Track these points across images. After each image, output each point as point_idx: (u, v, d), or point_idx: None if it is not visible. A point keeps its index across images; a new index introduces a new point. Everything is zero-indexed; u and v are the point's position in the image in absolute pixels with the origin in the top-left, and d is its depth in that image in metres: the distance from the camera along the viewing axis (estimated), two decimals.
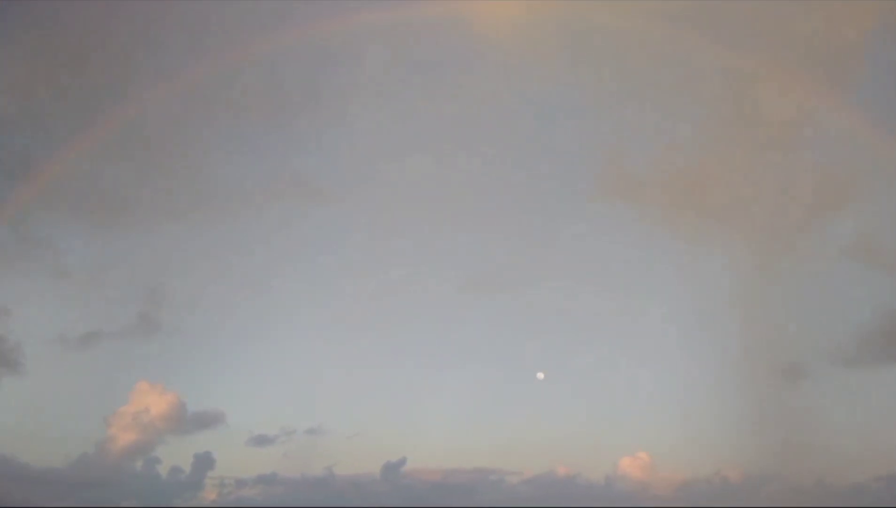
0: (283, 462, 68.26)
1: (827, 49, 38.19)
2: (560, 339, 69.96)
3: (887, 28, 38.70)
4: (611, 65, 47.51)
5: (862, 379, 48.69)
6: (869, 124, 32.64)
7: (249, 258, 73.15)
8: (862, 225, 47.35)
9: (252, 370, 72.69)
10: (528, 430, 73.64)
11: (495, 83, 54.53)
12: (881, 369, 56.71)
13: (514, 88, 56.29)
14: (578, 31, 44.58)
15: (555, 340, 71.56)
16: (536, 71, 51.17)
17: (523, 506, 57.33)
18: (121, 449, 54.74)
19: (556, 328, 72.26)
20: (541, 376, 61.14)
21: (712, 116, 47.37)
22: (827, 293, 51.16)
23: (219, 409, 66.76)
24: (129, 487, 58.35)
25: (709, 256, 62.10)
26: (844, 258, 51.06)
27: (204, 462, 56.43)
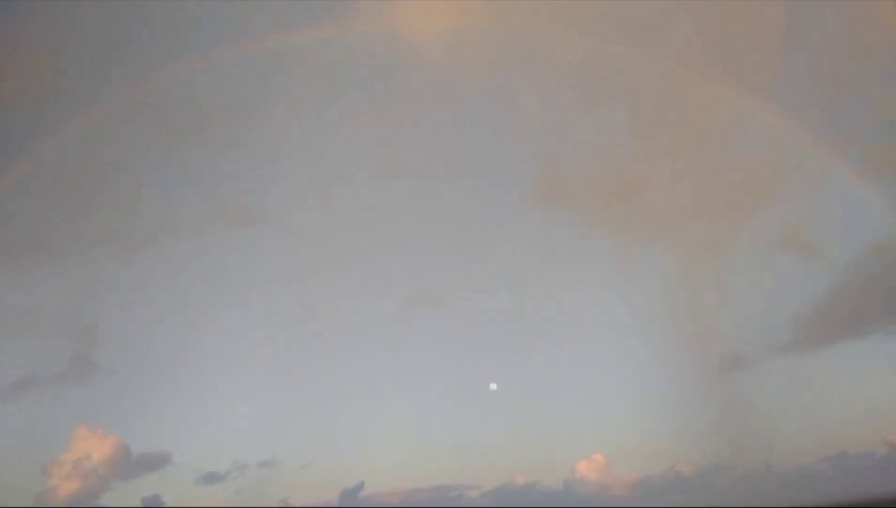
0: (236, 498, 65.68)
1: (745, 47, 39.80)
2: (509, 348, 70.14)
3: (801, 25, 40.66)
4: (539, 74, 48.39)
5: (799, 364, 50.56)
6: (788, 119, 34.07)
7: (187, 289, 70.83)
8: (789, 217, 49.43)
9: (197, 406, 70.00)
10: (484, 442, 73.35)
11: (427, 97, 54.74)
12: (817, 353, 58.94)
13: (446, 102, 56.60)
14: (508, 42, 45.15)
15: (504, 349, 71.70)
16: (468, 83, 51.61)
17: None
18: (62, 500, 52.00)
19: (504, 337, 72.42)
20: (493, 387, 61.38)
21: (640, 119, 48.70)
22: (760, 284, 53.07)
23: (165, 449, 63.49)
24: None
25: (646, 255, 63.52)
26: (775, 250, 53.07)
27: (152, 505, 53.92)
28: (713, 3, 39.80)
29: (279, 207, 65.48)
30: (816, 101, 43.22)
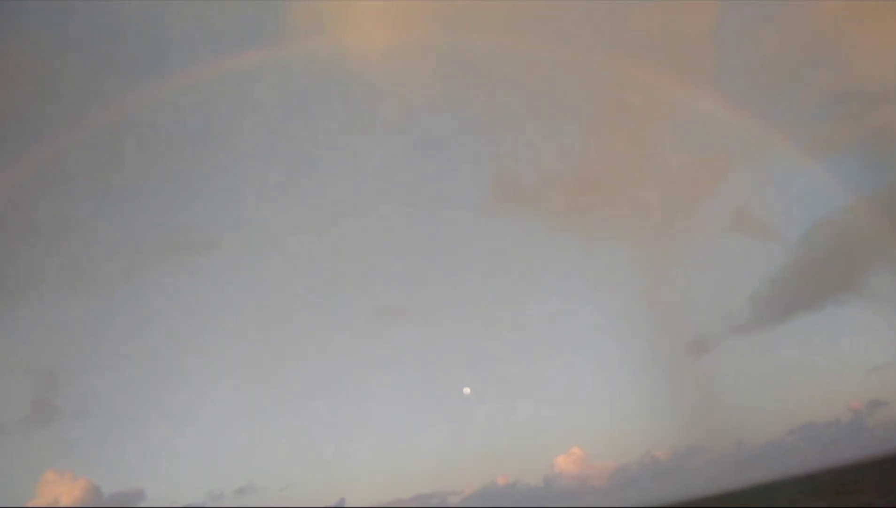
0: None
1: (685, 43, 40.78)
2: (480, 352, 70.44)
3: (732, 21, 41.87)
4: (486, 82, 48.90)
5: (761, 341, 51.97)
6: (731, 107, 35.05)
7: (146, 323, 69.32)
8: (739, 200, 50.78)
9: (166, 439, 68.33)
10: (463, 447, 73.04)
11: (379, 113, 54.72)
12: (776, 329, 60.53)
13: (397, 116, 56.75)
14: (453, 55, 45.53)
15: (475, 354, 71.98)
16: (418, 96, 51.90)
17: None
18: None
19: (474, 342, 72.64)
20: (467, 391, 61.64)
21: (589, 119, 49.54)
22: (718, 268, 54.37)
23: (137, 486, 61.60)
24: None
25: (606, 249, 64.48)
26: (729, 233, 54.44)
27: None
28: (654, 2, 40.70)
29: (238, 232, 64.68)
30: (756, 88, 44.51)
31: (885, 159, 46.49)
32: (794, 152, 37.10)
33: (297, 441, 66.47)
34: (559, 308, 71.14)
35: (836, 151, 53.12)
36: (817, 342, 59.30)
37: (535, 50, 38.77)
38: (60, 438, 63.44)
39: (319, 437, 67.93)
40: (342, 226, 64.98)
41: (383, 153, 62.46)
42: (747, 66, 43.32)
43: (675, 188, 49.28)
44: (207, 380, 71.80)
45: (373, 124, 55.41)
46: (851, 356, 58.22)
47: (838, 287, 50.88)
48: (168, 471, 69.05)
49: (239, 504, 57.98)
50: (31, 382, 67.37)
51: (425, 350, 72.31)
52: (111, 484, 70.56)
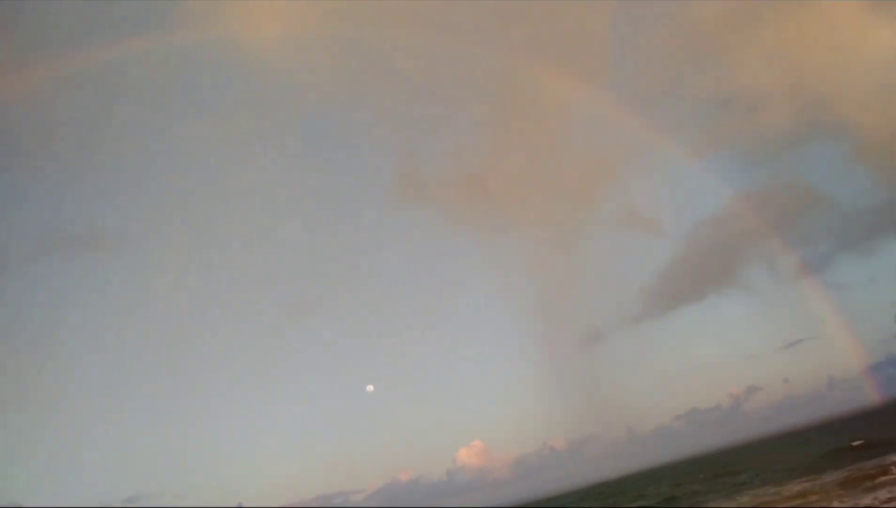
0: None
1: (578, 45, 42.17)
2: (381, 350, 70.26)
3: (626, 23, 43.71)
4: (385, 77, 48.80)
5: (649, 332, 54.86)
6: (620, 109, 36.61)
7: (26, 322, 64.76)
8: (626, 199, 53.23)
9: (46, 452, 64.04)
10: (366, 444, 72.66)
11: (277, 107, 53.39)
12: (662, 320, 63.95)
13: (294, 110, 55.66)
14: (351, 49, 44.98)
15: (376, 352, 71.61)
16: (315, 90, 51.07)
17: None
18: None
19: (375, 339, 72.34)
20: (370, 388, 61.43)
21: (487, 117, 50.39)
22: (608, 263, 56.83)
23: (15, 500, 57.25)
24: None
25: (502, 245, 65.87)
26: (617, 230, 56.92)
27: None
28: (548, 3, 41.75)
29: (131, 229, 61.42)
30: (645, 90, 46.61)
31: (762, 161, 50.12)
32: (680, 153, 39.22)
33: (192, 446, 63.98)
34: (459, 304, 72.17)
35: (718, 152, 56.72)
36: (700, 332, 63.14)
37: (434, 47, 39.11)
38: None
39: (215, 440, 65.79)
40: (238, 223, 63.15)
41: (280, 147, 61.22)
42: (638, 68, 45.57)
43: (570, 186, 51.10)
44: (94, 383, 67.83)
45: (270, 118, 54.11)
46: (731, 344, 62.44)
47: (719, 280, 54.30)
48: (48, 487, 64.67)
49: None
50: None
51: (326, 348, 71.44)
52: None
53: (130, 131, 53.33)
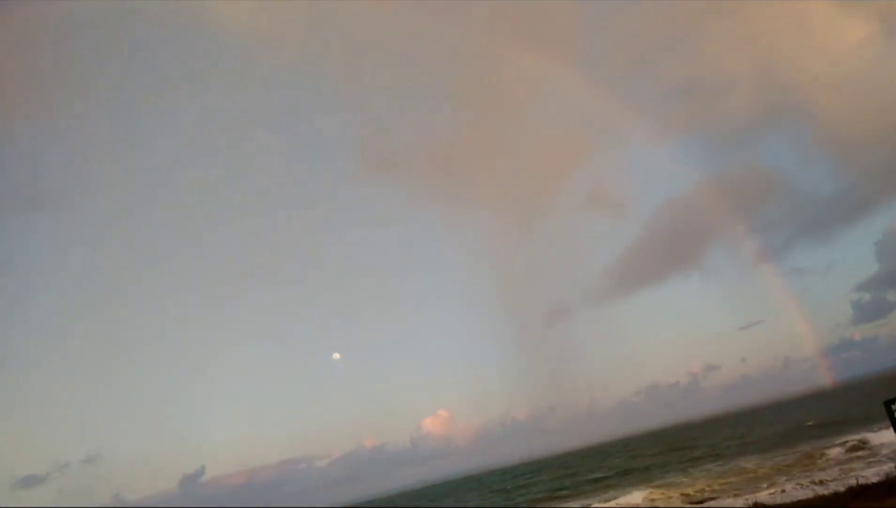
0: (60, 499, 60.25)
1: (549, 24, 42.02)
2: (348, 317, 70.01)
3: (597, 3, 43.79)
4: (352, 50, 48.09)
5: (612, 311, 55.80)
6: (588, 91, 36.75)
7: None
8: (592, 180, 53.71)
9: (2, 409, 63.22)
10: (331, 412, 72.82)
11: (243, 76, 52.30)
12: (625, 299, 64.85)
13: (261, 81, 54.56)
14: (319, 20, 44.18)
15: (343, 319, 71.35)
16: (283, 58, 50.14)
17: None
18: None
19: (342, 308, 72.05)
20: (337, 356, 61.47)
21: (459, 97, 50.16)
22: (573, 242, 57.40)
23: None
24: None
25: (470, 220, 65.84)
26: (583, 210, 57.37)
27: None
28: None
29: (84, 189, 59.73)
30: (614, 72, 46.74)
31: (726, 145, 50.94)
32: (646, 135, 39.70)
33: (154, 407, 63.55)
34: (425, 277, 72.54)
35: (684, 135, 57.42)
36: (662, 311, 64.52)
37: (403, 20, 38.62)
38: None
39: (178, 403, 65.35)
40: (201, 188, 62.01)
41: (245, 115, 60.03)
42: (607, 48, 45.77)
43: (536, 164, 51.37)
44: (56, 341, 66.64)
45: (235, 85, 53.00)
46: (692, 324, 63.99)
47: (682, 263, 55.48)
48: (6, 441, 63.74)
49: (87, 473, 54.57)
50: None
51: (293, 317, 71.11)
52: None
53: (87, 88, 51.55)
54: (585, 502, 11.11)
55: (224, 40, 46.07)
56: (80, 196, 57.46)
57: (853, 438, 11.90)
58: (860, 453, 10.35)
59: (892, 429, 4.87)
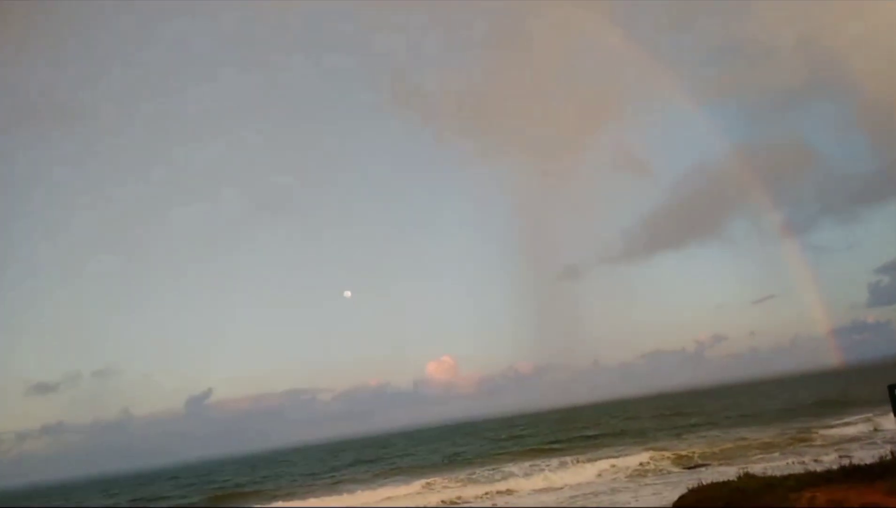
0: (71, 408, 62.08)
1: None
2: (361, 258, 70.22)
3: None
4: None
5: (626, 273, 55.45)
6: (625, 46, 35.61)
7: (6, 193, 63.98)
8: (623, 139, 52.56)
9: (18, 316, 64.73)
10: (338, 348, 73.81)
11: (272, 8, 50.92)
12: (641, 263, 64.38)
13: (292, 13, 53.35)
14: None
15: (356, 259, 71.61)
16: None
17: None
18: None
19: (356, 247, 72.21)
20: (348, 294, 61.79)
21: (491, 45, 48.85)
22: (596, 199, 56.62)
23: None
24: None
25: (491, 169, 65.09)
26: (610, 167, 56.38)
27: None
28: None
29: (108, 106, 59.65)
30: (654, 28, 45.17)
31: (762, 114, 49.45)
32: (681, 97, 38.58)
33: (163, 328, 64.62)
34: (442, 222, 72.20)
35: (719, 100, 55.77)
36: (676, 278, 64.02)
37: None
38: None
39: (189, 327, 66.42)
40: (222, 115, 61.60)
41: (272, 44, 59.03)
42: (649, 5, 44.04)
43: (565, 119, 50.34)
44: (68, 259, 67.52)
45: (263, 17, 52.02)
46: (704, 293, 63.53)
47: (702, 230, 54.68)
48: (21, 348, 65.30)
49: (97, 385, 55.73)
50: None
51: (306, 249, 71.31)
52: None
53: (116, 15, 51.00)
54: (575, 457, 11.17)
55: None
56: (109, 118, 57.63)
57: (854, 419, 11.78)
58: (859, 434, 10.23)
59: (892, 414, 4.70)
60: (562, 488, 8.79)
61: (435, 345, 78.02)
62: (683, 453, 10.24)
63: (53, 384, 62.23)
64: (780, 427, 12.16)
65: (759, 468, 6.84)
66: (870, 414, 11.34)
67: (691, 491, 4.41)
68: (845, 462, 4.49)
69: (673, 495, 5.22)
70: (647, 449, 10.74)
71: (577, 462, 10.69)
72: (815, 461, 7.20)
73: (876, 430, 10.27)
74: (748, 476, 4.29)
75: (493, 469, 11.26)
